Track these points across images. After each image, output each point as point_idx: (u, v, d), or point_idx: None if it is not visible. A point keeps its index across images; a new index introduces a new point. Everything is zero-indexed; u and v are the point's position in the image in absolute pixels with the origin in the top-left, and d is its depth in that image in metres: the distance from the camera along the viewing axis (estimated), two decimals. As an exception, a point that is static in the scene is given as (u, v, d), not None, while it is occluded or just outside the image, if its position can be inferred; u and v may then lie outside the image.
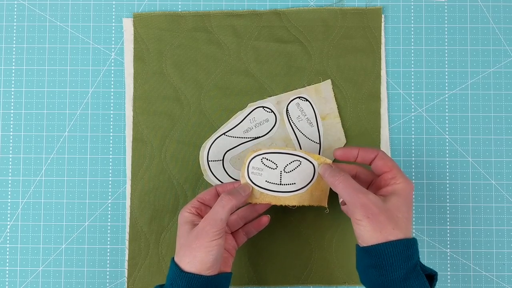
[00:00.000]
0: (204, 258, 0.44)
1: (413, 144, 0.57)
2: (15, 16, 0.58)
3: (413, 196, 0.46)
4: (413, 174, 0.56)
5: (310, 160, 0.49)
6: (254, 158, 0.49)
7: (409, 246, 0.42)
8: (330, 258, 0.55)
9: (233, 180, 0.55)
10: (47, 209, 0.56)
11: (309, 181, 0.49)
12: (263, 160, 0.49)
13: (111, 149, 0.57)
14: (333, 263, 0.55)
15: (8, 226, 0.56)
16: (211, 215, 0.46)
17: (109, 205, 0.56)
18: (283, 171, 0.49)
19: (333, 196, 0.56)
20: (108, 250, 0.56)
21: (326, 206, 0.50)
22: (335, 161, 0.51)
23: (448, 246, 0.56)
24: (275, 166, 0.49)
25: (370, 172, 0.49)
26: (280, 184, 0.49)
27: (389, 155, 0.56)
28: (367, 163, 0.48)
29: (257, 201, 0.49)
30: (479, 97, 0.57)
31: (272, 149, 0.49)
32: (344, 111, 0.56)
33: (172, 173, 0.56)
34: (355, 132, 0.56)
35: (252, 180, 0.49)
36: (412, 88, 0.57)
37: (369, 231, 0.42)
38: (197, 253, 0.44)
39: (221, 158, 0.56)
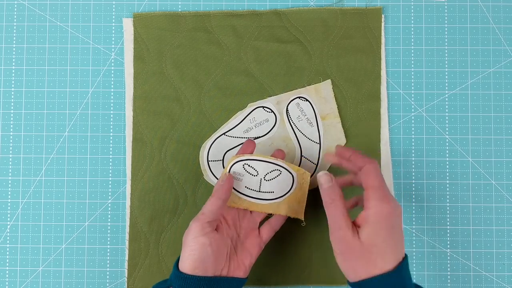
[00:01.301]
0: (188, 258, 0.44)
1: (413, 144, 0.57)
2: (15, 16, 0.58)
3: (399, 217, 0.43)
4: (413, 174, 0.56)
5: (290, 171, 0.49)
6: (236, 163, 0.49)
7: (395, 276, 0.41)
8: (330, 258, 0.55)
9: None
10: (47, 209, 0.56)
11: (287, 191, 0.49)
12: (245, 166, 0.49)
13: (111, 149, 0.57)
14: (333, 263, 0.55)
15: (8, 226, 0.56)
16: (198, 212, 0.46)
17: (109, 205, 0.56)
18: (263, 179, 0.49)
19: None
20: (108, 250, 0.56)
21: (303, 219, 0.50)
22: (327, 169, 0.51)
23: (448, 246, 0.56)
24: (256, 173, 0.49)
25: None
26: (259, 191, 0.49)
27: (389, 155, 0.56)
28: (355, 170, 0.47)
29: (234, 205, 0.49)
30: (479, 97, 0.57)
31: (255, 156, 0.49)
32: (344, 111, 0.56)
33: (172, 173, 0.56)
34: (355, 132, 0.56)
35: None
36: (412, 88, 0.57)
37: (349, 268, 0.42)
38: (183, 253, 0.44)
39: (221, 158, 0.56)
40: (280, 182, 0.49)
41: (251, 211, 0.50)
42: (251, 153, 0.50)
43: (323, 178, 0.45)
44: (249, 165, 0.49)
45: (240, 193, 0.49)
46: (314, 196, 0.51)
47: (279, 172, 0.49)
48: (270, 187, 0.49)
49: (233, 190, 0.48)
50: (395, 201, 0.43)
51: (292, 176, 0.49)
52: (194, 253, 0.43)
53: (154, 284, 0.54)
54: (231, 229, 0.49)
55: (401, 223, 0.44)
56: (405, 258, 0.43)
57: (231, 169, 0.49)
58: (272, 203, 0.49)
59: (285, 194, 0.49)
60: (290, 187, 0.49)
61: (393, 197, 0.44)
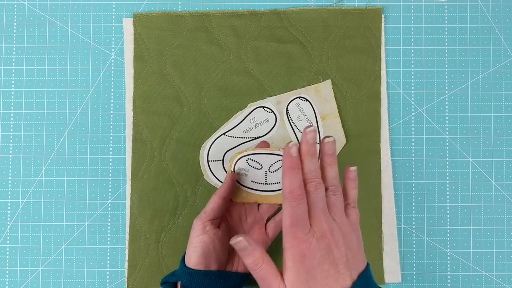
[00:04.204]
0: (192, 254, 0.45)
1: (413, 144, 0.57)
2: (15, 16, 0.58)
3: (320, 251, 0.37)
4: (413, 174, 0.56)
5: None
6: (240, 159, 0.50)
7: None
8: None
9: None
10: (47, 209, 0.56)
11: None
12: (248, 161, 0.50)
13: (111, 149, 0.57)
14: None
15: (8, 226, 0.56)
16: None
17: (109, 205, 0.56)
18: (268, 171, 0.50)
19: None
20: (108, 250, 0.56)
21: None
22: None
23: (448, 246, 0.56)
24: (260, 167, 0.50)
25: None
26: (266, 183, 0.50)
27: (389, 155, 0.56)
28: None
29: (243, 201, 0.50)
30: (479, 97, 0.57)
31: (257, 150, 0.50)
32: (344, 111, 0.56)
33: (172, 173, 0.56)
34: (355, 132, 0.56)
35: (238, 181, 0.50)
36: (412, 88, 0.57)
37: None
38: (188, 249, 0.46)
39: (221, 158, 0.56)
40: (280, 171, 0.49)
41: (258, 208, 0.51)
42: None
43: (239, 245, 0.39)
44: (252, 160, 0.50)
45: (248, 187, 0.50)
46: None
47: (276, 161, 0.50)
48: (275, 178, 0.50)
49: (241, 186, 0.49)
50: (311, 235, 0.38)
51: None
52: (197, 250, 0.45)
53: (155, 281, 0.55)
54: (236, 225, 0.50)
55: (328, 254, 0.38)
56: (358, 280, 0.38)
57: (236, 165, 0.49)
58: (280, 193, 0.50)
59: None
60: None
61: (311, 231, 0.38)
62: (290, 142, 0.39)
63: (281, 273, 0.38)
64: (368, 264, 0.40)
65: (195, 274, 0.45)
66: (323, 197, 0.39)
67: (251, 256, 0.38)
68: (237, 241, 0.39)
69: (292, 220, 0.38)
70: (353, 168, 0.42)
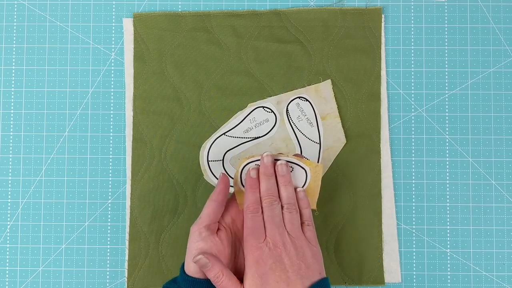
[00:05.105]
0: (189, 263, 0.44)
1: (413, 144, 0.57)
2: (15, 16, 0.58)
3: (273, 258, 0.43)
4: (413, 174, 0.56)
5: (302, 166, 0.48)
6: (248, 165, 0.48)
7: None
8: (330, 258, 0.55)
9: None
10: (47, 209, 0.56)
11: (301, 186, 0.48)
12: (256, 166, 0.48)
13: (111, 149, 0.57)
14: (333, 263, 0.55)
15: (8, 226, 0.56)
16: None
17: (109, 205, 0.56)
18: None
19: (333, 197, 0.56)
20: (108, 250, 0.56)
21: (316, 208, 0.49)
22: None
23: (448, 246, 0.56)
24: None
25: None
26: None
27: (389, 155, 0.56)
28: None
29: None
30: (479, 97, 0.57)
31: None
32: (344, 111, 0.56)
33: (172, 173, 0.56)
34: (355, 132, 0.56)
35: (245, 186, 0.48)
36: (412, 88, 0.57)
37: None
38: (186, 257, 0.45)
39: (221, 158, 0.56)
40: (293, 178, 0.48)
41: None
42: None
43: (200, 262, 0.43)
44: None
45: None
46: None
47: (291, 168, 0.48)
48: None
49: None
50: (263, 244, 0.43)
51: (305, 170, 0.48)
52: (193, 259, 0.44)
53: (155, 281, 0.55)
54: (240, 233, 0.48)
55: (280, 262, 0.43)
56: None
57: (243, 170, 0.48)
58: None
59: None
60: (304, 182, 0.48)
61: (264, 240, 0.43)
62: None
63: (241, 282, 0.43)
64: (326, 278, 0.44)
65: (196, 282, 0.44)
66: (278, 213, 0.45)
67: (212, 271, 0.43)
68: (198, 259, 0.43)
69: (248, 230, 0.44)
70: (300, 189, 0.47)
